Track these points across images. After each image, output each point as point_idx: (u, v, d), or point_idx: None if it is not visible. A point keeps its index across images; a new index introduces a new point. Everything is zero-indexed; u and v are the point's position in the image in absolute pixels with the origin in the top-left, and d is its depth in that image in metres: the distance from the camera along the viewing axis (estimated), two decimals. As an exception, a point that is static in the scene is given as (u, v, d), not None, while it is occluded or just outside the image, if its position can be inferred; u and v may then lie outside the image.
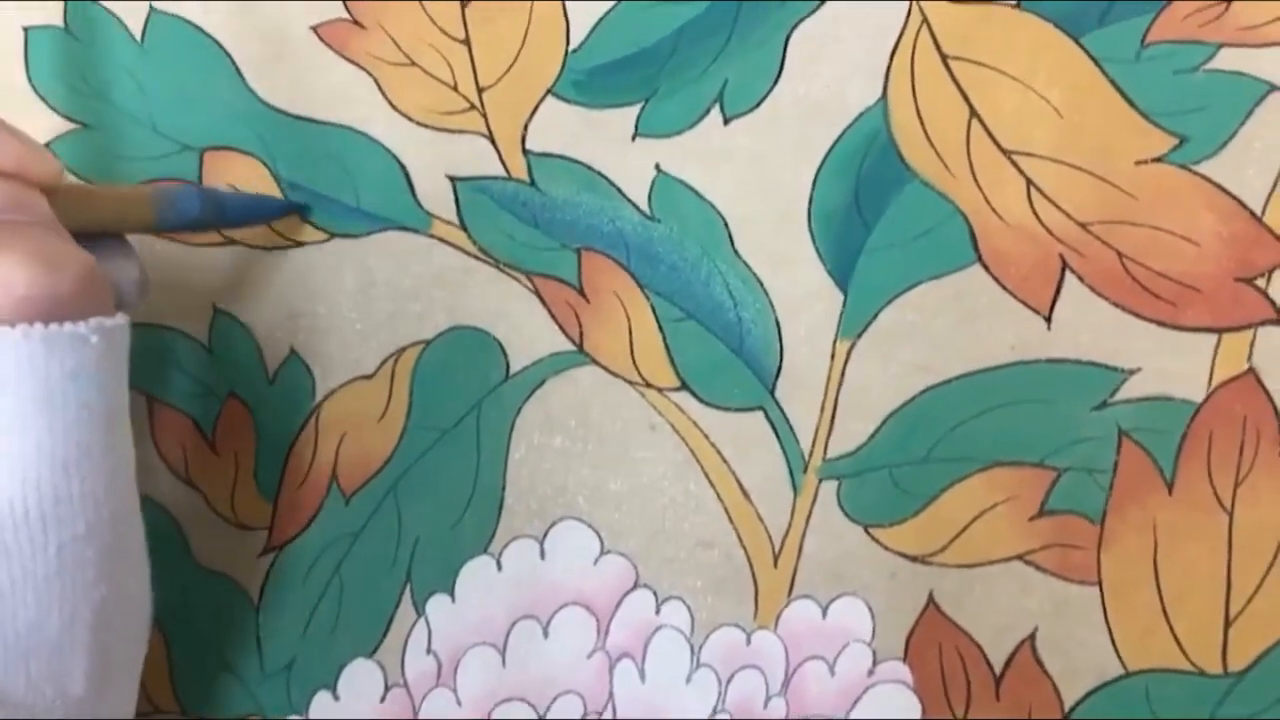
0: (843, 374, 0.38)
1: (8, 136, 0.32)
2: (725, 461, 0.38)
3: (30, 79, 0.42)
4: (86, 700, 0.31)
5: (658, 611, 0.39)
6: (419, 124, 0.40)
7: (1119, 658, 0.36)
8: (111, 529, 0.31)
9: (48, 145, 0.42)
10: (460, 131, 0.40)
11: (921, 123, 0.37)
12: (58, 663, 0.31)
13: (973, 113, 0.37)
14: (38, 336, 0.29)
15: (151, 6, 0.41)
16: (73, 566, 0.30)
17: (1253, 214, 0.36)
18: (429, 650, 0.40)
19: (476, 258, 0.40)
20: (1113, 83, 0.36)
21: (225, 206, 0.39)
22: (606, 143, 0.39)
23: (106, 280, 0.32)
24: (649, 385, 0.39)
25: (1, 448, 0.29)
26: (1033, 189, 0.37)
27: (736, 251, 0.38)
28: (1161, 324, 0.36)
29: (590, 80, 0.39)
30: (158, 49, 0.41)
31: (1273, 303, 0.35)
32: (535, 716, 0.39)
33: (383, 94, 0.40)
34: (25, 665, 0.30)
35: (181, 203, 0.37)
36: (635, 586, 0.39)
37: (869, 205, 0.37)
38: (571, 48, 0.39)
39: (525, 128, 0.40)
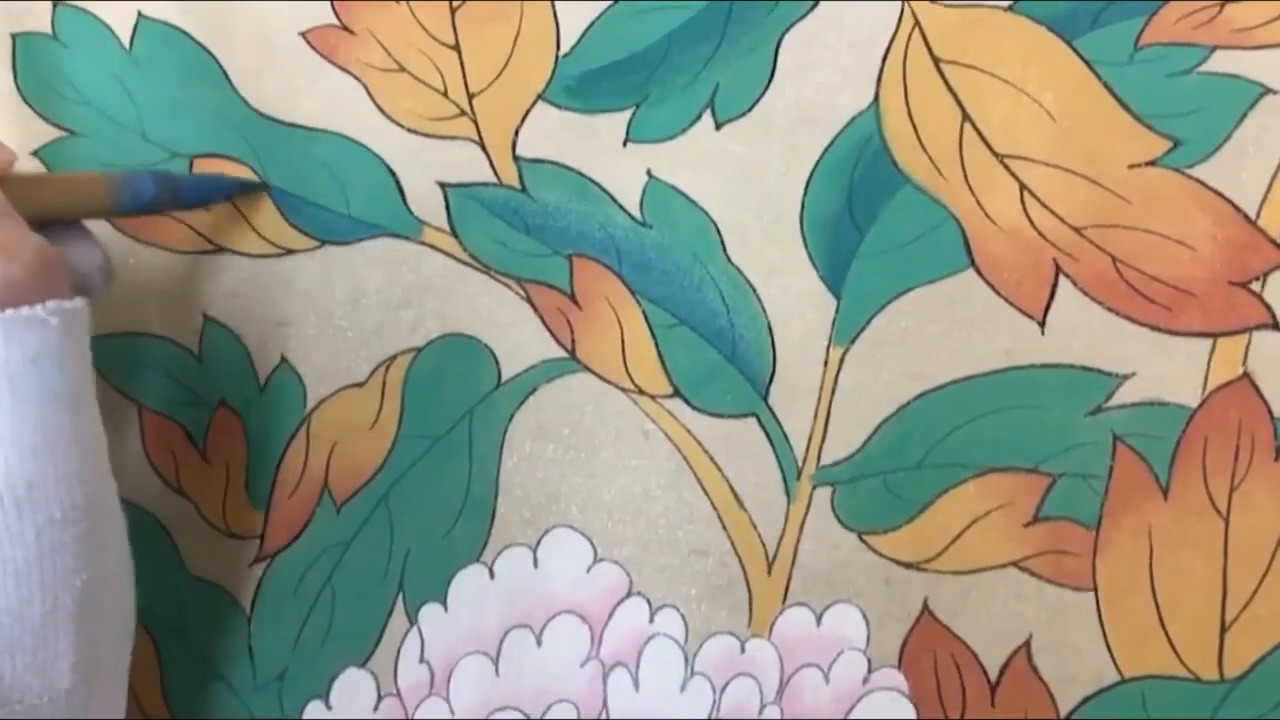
0: (836, 380, 0.37)
1: None
2: (719, 468, 0.38)
3: (18, 86, 0.42)
4: (75, 695, 0.31)
5: (651, 620, 0.39)
6: (409, 130, 0.40)
7: (1115, 664, 0.36)
8: (88, 514, 0.31)
9: (36, 153, 0.42)
10: (451, 138, 0.40)
11: (914, 127, 0.37)
12: (43, 654, 0.31)
13: (965, 117, 0.37)
14: None
15: (140, 13, 0.41)
16: (51, 552, 0.31)
17: (1247, 217, 0.35)
18: (422, 659, 0.40)
19: (468, 264, 0.40)
20: (1106, 86, 0.36)
21: (181, 188, 0.39)
22: (598, 148, 0.39)
23: (63, 264, 0.32)
24: (641, 392, 0.39)
25: None
26: (1026, 193, 0.36)
27: (729, 257, 0.38)
28: (1156, 328, 0.36)
29: (581, 85, 0.39)
30: (146, 56, 0.41)
31: (1267, 306, 0.35)
32: (529, 725, 0.39)
33: (373, 100, 0.40)
34: (11, 657, 0.30)
35: (137, 186, 0.37)
36: (629, 595, 0.39)
37: (861, 211, 0.37)
38: (562, 53, 0.39)
39: (516, 133, 0.39)
